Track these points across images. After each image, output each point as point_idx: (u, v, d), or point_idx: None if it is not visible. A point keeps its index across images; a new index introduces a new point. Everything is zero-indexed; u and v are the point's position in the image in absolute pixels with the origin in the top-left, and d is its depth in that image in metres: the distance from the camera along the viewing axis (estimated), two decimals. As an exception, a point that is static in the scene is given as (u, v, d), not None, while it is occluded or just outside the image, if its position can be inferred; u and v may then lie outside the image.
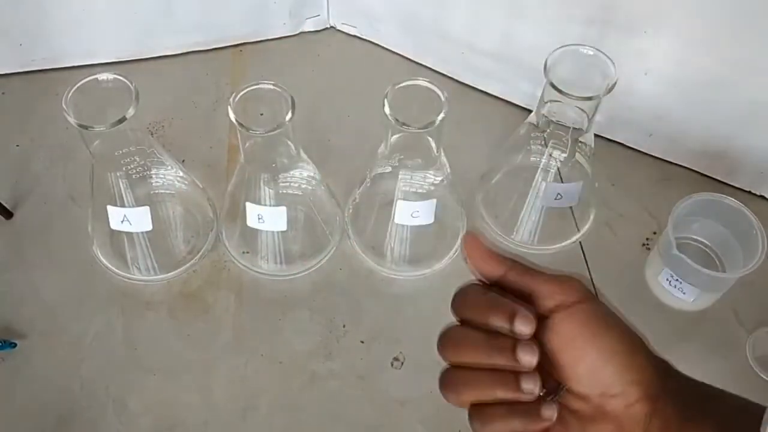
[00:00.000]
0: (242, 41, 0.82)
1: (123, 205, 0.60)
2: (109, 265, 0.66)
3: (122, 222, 0.61)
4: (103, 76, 0.55)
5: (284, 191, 0.61)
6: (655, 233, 0.69)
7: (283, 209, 0.61)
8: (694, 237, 0.68)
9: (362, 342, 0.63)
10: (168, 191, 0.64)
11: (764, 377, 0.62)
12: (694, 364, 0.62)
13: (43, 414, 0.60)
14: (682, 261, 0.59)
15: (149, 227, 0.62)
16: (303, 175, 0.61)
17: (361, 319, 0.64)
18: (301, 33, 0.83)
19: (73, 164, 0.73)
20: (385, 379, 0.62)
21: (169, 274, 0.66)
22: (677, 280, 0.62)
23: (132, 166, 0.58)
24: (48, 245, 0.68)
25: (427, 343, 0.63)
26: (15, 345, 0.62)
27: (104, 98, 0.54)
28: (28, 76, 0.78)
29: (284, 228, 0.62)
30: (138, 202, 0.60)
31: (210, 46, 0.81)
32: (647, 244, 0.69)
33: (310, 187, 0.63)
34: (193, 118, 0.77)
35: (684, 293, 0.62)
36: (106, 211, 0.60)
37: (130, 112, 0.53)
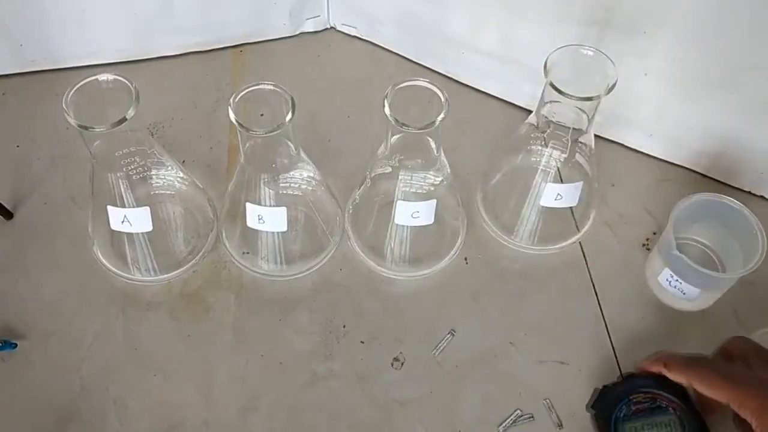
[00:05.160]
0: (242, 41, 0.82)
1: (123, 206, 0.60)
2: (110, 266, 0.66)
3: (122, 222, 0.61)
4: (104, 76, 0.55)
5: (284, 192, 0.61)
6: (655, 233, 0.69)
7: (283, 210, 0.61)
8: (694, 237, 0.68)
9: (362, 342, 0.63)
10: (168, 192, 0.64)
11: (764, 377, 0.62)
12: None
13: (43, 414, 0.60)
14: (682, 261, 0.59)
15: (149, 228, 0.62)
16: (303, 175, 0.61)
17: (361, 319, 0.64)
18: (301, 33, 0.83)
19: (73, 165, 0.73)
20: (385, 379, 0.62)
21: (169, 274, 0.66)
22: (677, 280, 0.62)
23: (132, 167, 0.58)
24: (48, 246, 0.68)
25: (427, 343, 0.64)
26: (15, 345, 0.62)
27: (104, 99, 0.54)
28: (29, 77, 0.79)
29: (284, 228, 0.62)
30: (138, 203, 0.60)
31: (210, 47, 0.81)
32: (647, 244, 0.69)
33: (310, 188, 0.63)
34: (193, 119, 0.77)
35: (684, 293, 0.62)
36: (107, 212, 0.60)
37: (131, 112, 0.53)
